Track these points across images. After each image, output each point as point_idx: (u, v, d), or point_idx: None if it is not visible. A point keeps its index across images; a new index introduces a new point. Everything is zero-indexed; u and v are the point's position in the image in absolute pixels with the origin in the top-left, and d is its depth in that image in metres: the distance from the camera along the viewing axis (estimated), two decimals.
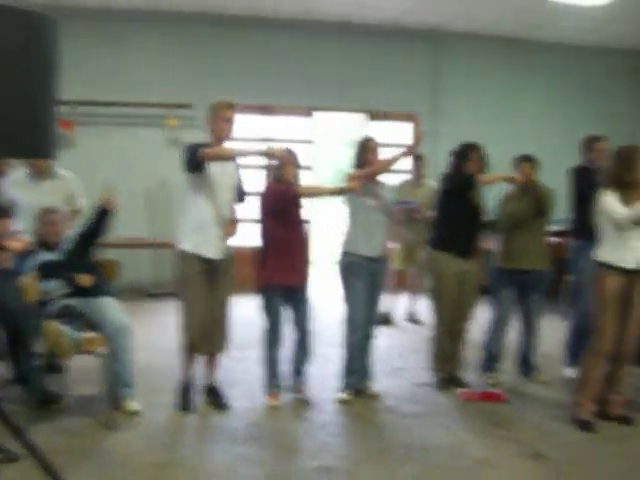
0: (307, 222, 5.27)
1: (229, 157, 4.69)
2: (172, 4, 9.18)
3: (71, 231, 5.10)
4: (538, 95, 10.99)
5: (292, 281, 4.97)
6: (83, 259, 4.90)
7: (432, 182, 7.67)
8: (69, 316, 4.58)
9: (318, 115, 10.42)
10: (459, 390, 5.43)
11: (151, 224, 9.55)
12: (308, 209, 5.42)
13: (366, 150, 5.13)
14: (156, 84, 9.49)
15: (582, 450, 4.36)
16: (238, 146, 5.01)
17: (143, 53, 9.50)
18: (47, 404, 4.65)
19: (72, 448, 4.08)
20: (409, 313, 8.26)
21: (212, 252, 4.72)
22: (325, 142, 13.55)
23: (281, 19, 9.79)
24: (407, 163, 8.93)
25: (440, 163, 8.23)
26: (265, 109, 10.01)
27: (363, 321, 5.12)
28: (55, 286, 4.65)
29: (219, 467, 3.95)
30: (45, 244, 4.85)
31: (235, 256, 4.95)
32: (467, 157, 5.38)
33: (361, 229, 5.09)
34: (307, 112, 10.20)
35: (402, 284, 8.19)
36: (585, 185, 5.37)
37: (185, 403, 4.88)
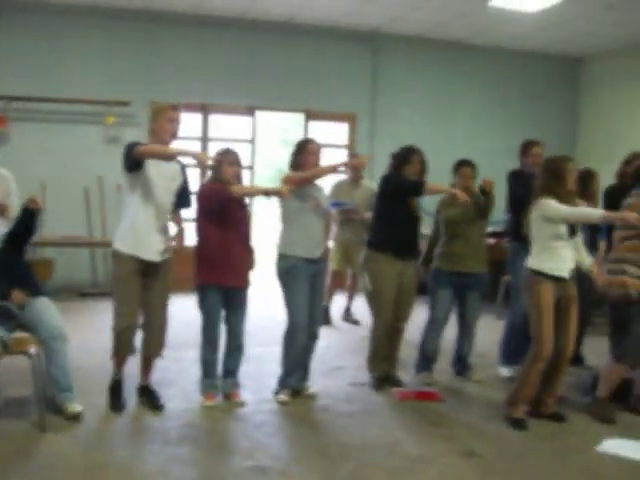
0: (251, 223, 5.24)
1: (163, 155, 4.58)
2: (109, 0, 9.04)
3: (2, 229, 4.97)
4: (476, 98, 11.15)
5: (229, 282, 4.93)
6: (14, 259, 4.78)
7: (370, 183, 7.71)
8: (3, 316, 4.47)
9: (259, 114, 10.38)
10: (395, 389, 5.47)
11: (88, 222, 9.40)
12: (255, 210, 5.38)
13: (304, 152, 5.10)
14: (94, 81, 9.32)
15: (514, 447, 4.44)
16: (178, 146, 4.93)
17: (81, 49, 9.32)
18: None
19: (3, 451, 4.00)
20: (346, 313, 8.29)
21: (147, 254, 4.65)
22: (265, 141, 13.53)
23: (223, 17, 9.71)
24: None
25: (377, 164, 8.31)
26: (205, 108, 9.93)
27: (305, 324, 5.10)
28: None
29: (152, 468, 3.90)
30: None
31: (173, 258, 4.90)
32: (408, 160, 5.41)
33: (298, 231, 5.06)
34: (248, 111, 10.15)
35: (339, 284, 8.22)
36: (521, 188, 5.46)
37: (115, 403, 4.81)
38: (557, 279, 4.69)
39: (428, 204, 5.99)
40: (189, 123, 9.67)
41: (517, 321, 5.65)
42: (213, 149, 9.58)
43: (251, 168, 10.10)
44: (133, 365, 4.99)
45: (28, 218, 4.75)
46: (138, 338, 4.85)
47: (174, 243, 4.83)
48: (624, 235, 4.95)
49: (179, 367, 5.81)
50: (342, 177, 8.06)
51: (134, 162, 4.46)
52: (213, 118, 10.15)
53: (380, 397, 5.37)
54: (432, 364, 5.81)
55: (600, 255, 5.85)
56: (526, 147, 5.98)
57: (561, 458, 4.30)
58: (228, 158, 4.95)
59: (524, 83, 11.33)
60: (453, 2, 8.74)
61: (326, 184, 6.04)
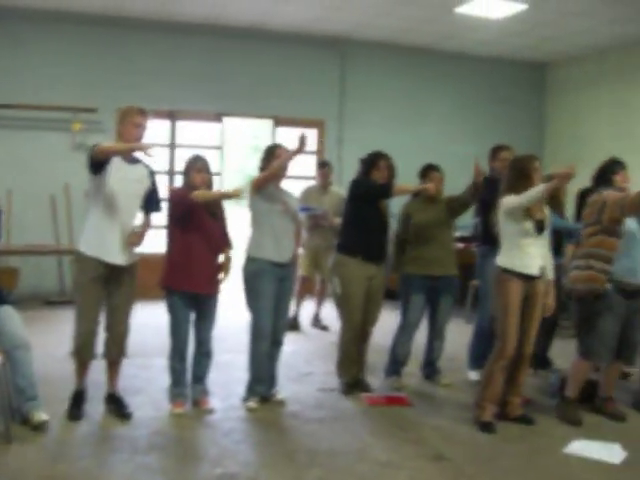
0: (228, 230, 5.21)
1: (118, 151, 4.52)
2: (76, 5, 8.96)
3: None
4: (444, 104, 11.22)
5: (192, 288, 4.91)
6: None
7: (338, 189, 7.72)
8: None
9: (227, 121, 10.36)
10: (364, 394, 5.48)
11: (55, 230, 9.30)
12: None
13: (273, 157, 5.10)
14: (60, 87, 9.23)
15: (483, 450, 4.47)
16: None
17: (47, 55, 9.21)
18: None
19: None
20: (315, 319, 8.28)
21: (110, 258, 4.62)
22: (236, 148, 13.49)
23: (190, 23, 9.68)
24: (312, 170, 9.03)
25: (346, 170, 8.34)
26: (173, 114, 9.88)
27: (270, 329, 5.08)
28: None
29: (120, 477, 3.86)
30: None
31: (139, 263, 4.87)
32: (375, 165, 5.45)
33: (268, 234, 5.06)
34: (216, 117, 10.12)
35: (308, 290, 8.22)
36: (489, 193, 5.50)
37: (73, 412, 4.74)
38: (526, 277, 4.73)
39: (394, 208, 5.99)
40: (157, 130, 9.62)
41: (485, 325, 5.68)
42: (181, 156, 9.56)
43: (219, 175, 10.06)
44: (100, 373, 4.94)
45: None
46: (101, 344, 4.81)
47: (136, 240, 4.75)
48: (591, 231, 5.01)
49: (147, 375, 5.76)
50: (311, 183, 8.09)
51: (96, 163, 4.44)
52: (181, 125, 10.09)
53: (349, 402, 5.37)
54: (402, 368, 5.83)
55: (568, 258, 5.91)
56: (495, 152, 6.04)
57: (529, 460, 4.33)
58: (197, 165, 4.94)
59: (491, 88, 11.44)
60: (420, 9, 8.79)
61: (295, 190, 6.02)
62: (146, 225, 4.92)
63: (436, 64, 11.09)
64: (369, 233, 5.45)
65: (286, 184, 5.33)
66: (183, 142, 10.07)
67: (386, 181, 5.44)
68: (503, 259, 4.82)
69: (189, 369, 5.12)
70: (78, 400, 4.81)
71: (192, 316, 5.05)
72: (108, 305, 4.75)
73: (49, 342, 6.47)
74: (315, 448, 4.40)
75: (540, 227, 4.72)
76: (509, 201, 4.69)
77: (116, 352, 4.84)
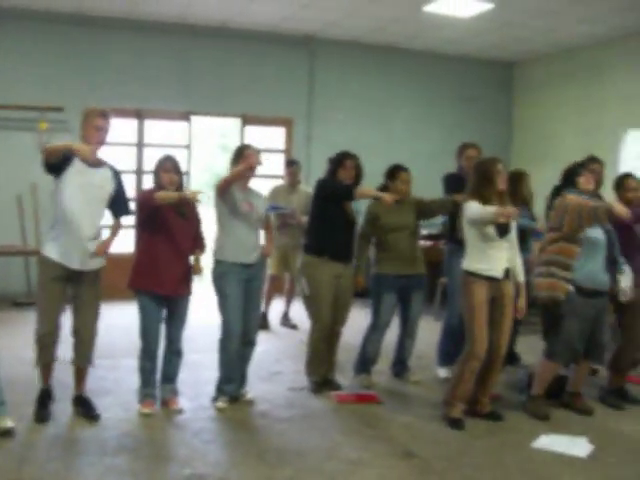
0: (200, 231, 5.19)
1: (57, 151, 4.44)
2: (43, 3, 8.86)
3: None
4: (412, 102, 11.25)
5: (161, 290, 4.89)
6: None
7: (306, 188, 7.72)
8: None
9: (196, 119, 10.31)
10: (333, 393, 5.49)
11: (22, 231, 9.19)
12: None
13: (242, 157, 5.06)
14: (26, 86, 9.12)
15: (452, 446, 4.50)
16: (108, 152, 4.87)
17: (12, 53, 9.10)
18: None
19: None
20: (284, 318, 8.28)
21: (73, 263, 4.58)
22: (203, 146, 13.44)
23: (158, 22, 9.61)
24: (280, 168, 9.02)
25: (314, 168, 8.34)
26: (140, 113, 9.81)
27: (240, 329, 5.07)
28: None
29: None
30: None
31: (104, 267, 4.83)
32: (342, 165, 5.47)
33: (230, 236, 5.05)
34: (184, 116, 10.07)
35: (277, 289, 8.22)
36: (454, 191, 5.54)
37: (40, 413, 4.69)
38: (491, 279, 4.77)
39: (360, 206, 5.99)
40: (124, 129, 9.55)
41: (454, 322, 5.72)
42: (149, 155, 9.50)
43: (187, 174, 10.01)
44: (67, 374, 4.91)
45: None
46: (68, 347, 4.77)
47: (101, 249, 4.71)
48: (553, 237, 5.07)
49: (116, 376, 5.72)
50: (279, 182, 8.08)
51: (48, 165, 4.45)
52: (148, 124, 10.01)
53: (319, 401, 5.38)
54: (371, 366, 5.84)
55: (534, 255, 5.96)
56: (461, 150, 6.09)
57: (498, 455, 4.38)
58: (165, 165, 4.92)
59: (459, 87, 11.49)
60: (388, 8, 8.81)
61: (264, 189, 6.01)
62: (116, 229, 4.90)
63: (405, 63, 11.12)
64: (335, 232, 5.46)
65: (254, 183, 5.31)
66: (151, 141, 9.99)
67: (352, 181, 5.47)
68: (467, 262, 4.87)
69: (159, 369, 5.10)
70: (44, 399, 4.76)
71: (163, 314, 5.03)
72: (73, 308, 4.72)
73: (16, 344, 6.41)
74: (285, 447, 4.41)
75: (503, 230, 4.75)
76: (470, 211, 4.73)
77: (82, 360, 4.81)
